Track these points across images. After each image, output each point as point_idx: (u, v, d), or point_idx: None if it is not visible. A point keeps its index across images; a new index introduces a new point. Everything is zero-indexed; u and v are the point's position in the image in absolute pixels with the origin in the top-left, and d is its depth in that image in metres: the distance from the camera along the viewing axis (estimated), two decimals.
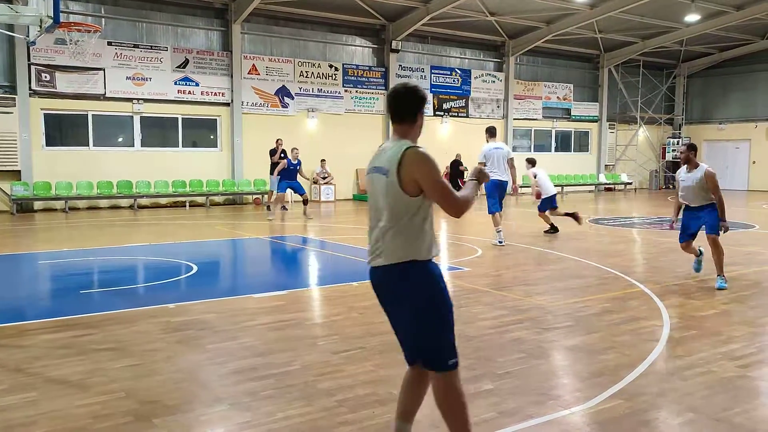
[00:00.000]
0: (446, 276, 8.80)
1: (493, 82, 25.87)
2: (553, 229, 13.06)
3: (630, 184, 29.40)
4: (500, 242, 11.35)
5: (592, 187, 28.60)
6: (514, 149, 26.42)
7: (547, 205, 13.25)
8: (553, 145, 28.25)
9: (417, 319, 3.07)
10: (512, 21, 23.67)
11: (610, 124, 29.50)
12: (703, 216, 7.78)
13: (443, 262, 10.12)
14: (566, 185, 27.02)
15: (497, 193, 11.60)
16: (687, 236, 8.09)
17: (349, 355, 5.12)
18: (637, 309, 6.66)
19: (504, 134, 26.21)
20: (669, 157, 30.83)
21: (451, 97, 24.82)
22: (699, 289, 7.64)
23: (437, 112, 24.49)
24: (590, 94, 29.05)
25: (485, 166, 11.30)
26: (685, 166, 7.88)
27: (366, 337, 5.64)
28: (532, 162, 13.82)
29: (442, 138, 24.54)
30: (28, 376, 4.61)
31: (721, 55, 29.17)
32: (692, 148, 7.95)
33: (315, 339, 5.65)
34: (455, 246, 11.58)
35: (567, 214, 13.26)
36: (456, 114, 24.97)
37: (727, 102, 29.95)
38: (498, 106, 26.08)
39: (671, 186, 30.70)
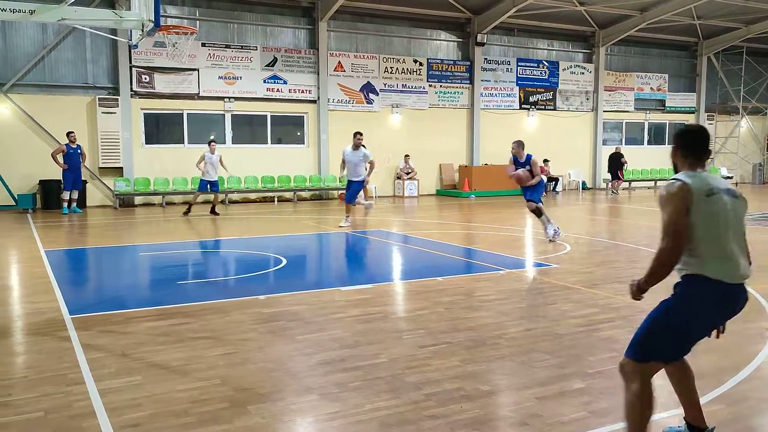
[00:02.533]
0: (533, 272, 8.64)
1: (582, 73, 25.10)
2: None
3: (731, 177, 27.75)
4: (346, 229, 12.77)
5: None
6: (604, 142, 25.63)
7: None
8: (646, 138, 27.12)
9: None
10: (603, 10, 22.86)
11: (708, 115, 27.98)
12: None
13: (530, 257, 9.95)
14: (660, 180, 25.87)
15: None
16: None
17: (435, 350, 5.12)
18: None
19: (593, 127, 25.42)
20: None
21: (538, 89, 24.27)
22: None
23: (523, 105, 24.03)
24: (687, 84, 27.66)
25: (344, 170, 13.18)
26: None
27: (452, 332, 5.63)
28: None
29: (529, 131, 24.03)
30: (133, 360, 4.89)
31: None
32: None
33: (401, 332, 5.69)
34: (543, 242, 11.34)
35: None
36: (543, 107, 24.41)
37: None
38: (587, 99, 25.29)
39: None
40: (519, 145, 11.02)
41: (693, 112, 27.72)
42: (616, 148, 24.20)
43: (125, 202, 18.25)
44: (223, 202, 19.22)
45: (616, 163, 23.52)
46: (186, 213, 15.58)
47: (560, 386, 4.31)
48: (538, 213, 11.20)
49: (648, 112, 26.72)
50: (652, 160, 26.44)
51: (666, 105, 27.05)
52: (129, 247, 11.24)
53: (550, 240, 10.98)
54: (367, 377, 4.51)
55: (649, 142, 27.16)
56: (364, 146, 13.09)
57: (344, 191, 20.34)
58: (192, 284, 8.20)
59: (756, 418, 3.82)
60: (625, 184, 25.56)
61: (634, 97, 26.33)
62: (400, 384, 4.38)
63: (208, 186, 15.79)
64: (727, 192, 3.20)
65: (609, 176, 23.96)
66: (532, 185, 11.06)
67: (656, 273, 3.23)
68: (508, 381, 4.50)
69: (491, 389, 4.34)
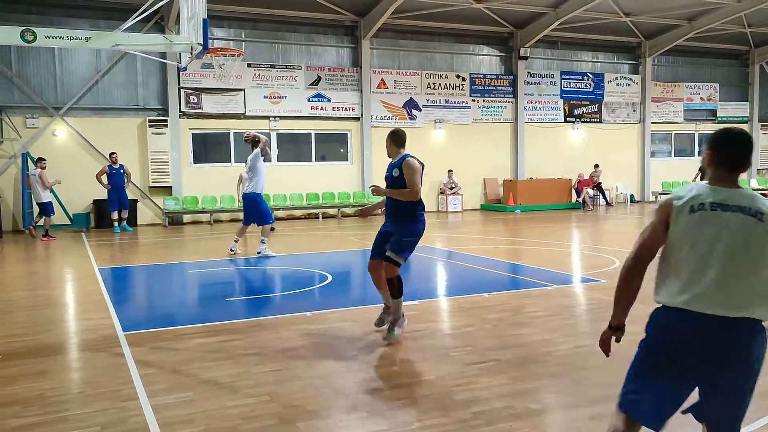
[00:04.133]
0: (582, 288, 8.48)
1: (628, 85, 24.68)
2: None
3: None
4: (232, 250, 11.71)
5: None
6: (653, 155, 25.09)
7: None
8: (696, 149, 26.45)
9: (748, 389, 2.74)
10: (649, 20, 22.48)
11: (762, 125, 27.14)
12: None
13: (577, 272, 9.77)
14: None
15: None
16: None
17: (483, 367, 5.06)
18: None
19: (641, 139, 24.92)
20: None
21: (583, 102, 23.96)
22: None
23: (568, 119, 23.74)
24: (739, 93, 26.91)
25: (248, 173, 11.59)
26: None
27: (500, 349, 5.56)
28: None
29: (574, 144, 23.75)
30: (184, 377, 4.97)
31: None
32: None
33: (448, 350, 5.64)
34: (591, 257, 11.13)
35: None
36: (588, 120, 24.06)
37: None
38: (633, 110, 24.84)
39: None
40: (392, 137, 6.87)
41: (746, 122, 26.93)
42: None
43: (174, 220, 18.67)
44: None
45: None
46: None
47: (611, 405, 4.19)
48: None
49: (698, 122, 26.07)
50: None
51: (717, 115, 26.36)
52: (178, 264, 11.48)
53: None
54: (414, 395, 4.48)
55: (700, 154, 26.45)
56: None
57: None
58: (239, 301, 8.31)
59: None
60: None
61: (684, 107, 25.74)
62: (448, 402, 4.34)
63: None
64: (740, 209, 2.60)
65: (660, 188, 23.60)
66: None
67: (615, 296, 2.95)
68: (558, 399, 4.41)
69: (541, 408, 4.26)
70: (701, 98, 26.00)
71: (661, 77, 25.37)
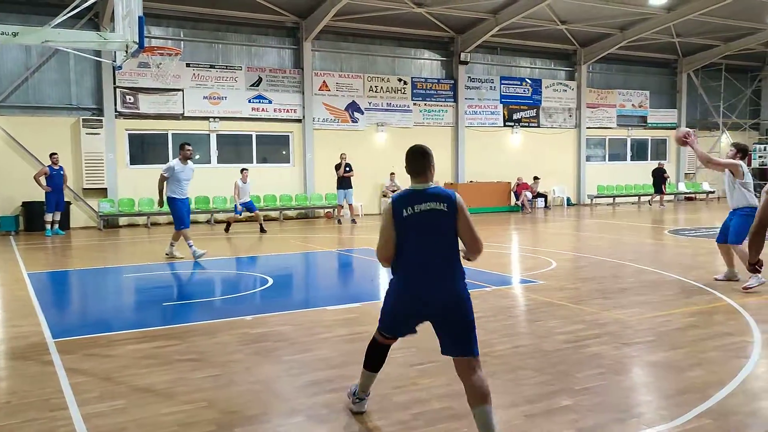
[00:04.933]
0: (520, 289, 8.67)
1: (565, 91, 25.39)
2: None
3: (712, 192, 28.14)
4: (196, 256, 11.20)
5: (672, 197, 27.54)
6: (588, 159, 25.87)
7: None
8: (629, 153, 27.41)
9: None
10: (584, 29, 23.20)
11: None
12: None
13: (516, 274, 9.97)
14: (643, 195, 26.13)
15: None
16: None
17: (423, 369, 5.11)
18: (724, 324, 6.36)
19: (577, 144, 25.65)
20: (756, 163, 29.33)
21: (522, 107, 24.50)
22: None
23: (507, 123, 24.23)
24: (668, 101, 28.06)
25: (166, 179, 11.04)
26: None
27: (440, 350, 5.60)
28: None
29: (514, 148, 24.26)
30: (117, 384, 4.83)
31: None
32: None
33: (390, 351, 5.65)
34: (529, 258, 11.38)
35: None
36: (527, 124, 24.62)
37: None
38: (570, 116, 25.56)
39: (757, 194, 29.11)
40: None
41: (674, 128, 28.05)
42: (659, 164, 25.02)
43: (109, 223, 18.12)
44: (208, 222, 19.14)
45: (659, 177, 24.36)
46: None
47: (548, 403, 4.31)
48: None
49: (630, 128, 27.05)
50: (634, 175, 26.70)
51: (648, 121, 27.40)
52: (113, 268, 11.14)
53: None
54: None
55: (632, 158, 27.45)
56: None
57: (330, 210, 20.47)
58: (177, 305, 8.13)
59: None
60: (609, 200, 25.81)
61: (617, 113, 26.66)
62: (388, 404, 4.36)
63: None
64: None
65: (653, 190, 24.89)
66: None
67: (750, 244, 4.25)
68: (495, 399, 4.47)
69: None
70: (633, 105, 26.99)
71: (596, 84, 26.20)
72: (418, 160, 4.11)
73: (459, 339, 3.80)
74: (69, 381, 4.86)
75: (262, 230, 16.18)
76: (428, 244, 3.80)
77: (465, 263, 3.94)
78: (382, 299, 4.10)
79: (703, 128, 28.74)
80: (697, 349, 5.51)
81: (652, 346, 5.68)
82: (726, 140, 29.09)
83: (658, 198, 24.49)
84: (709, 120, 28.57)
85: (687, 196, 27.97)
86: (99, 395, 4.57)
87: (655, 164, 25.28)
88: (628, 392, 4.63)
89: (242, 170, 16.67)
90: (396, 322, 4.07)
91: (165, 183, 11.12)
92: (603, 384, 4.70)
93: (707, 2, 20.37)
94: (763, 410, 4.19)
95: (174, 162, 11.30)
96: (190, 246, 11.21)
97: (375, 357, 4.26)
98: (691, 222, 18.50)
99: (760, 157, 29.15)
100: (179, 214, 11.18)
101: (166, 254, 11.68)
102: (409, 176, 4.06)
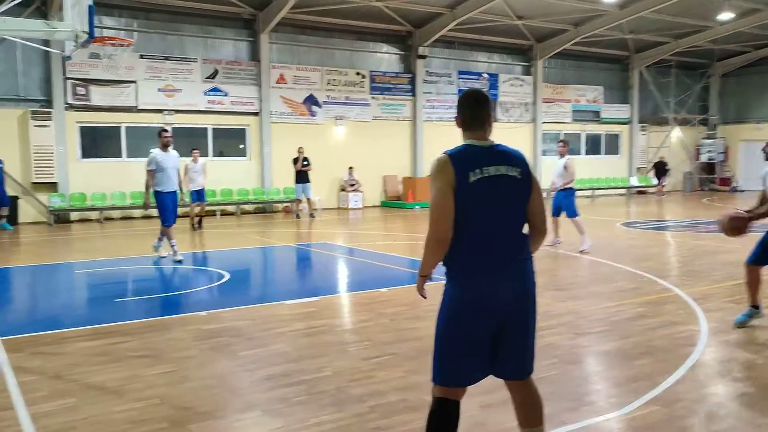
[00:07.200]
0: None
1: (521, 86, 25.70)
2: None
3: (664, 185, 28.87)
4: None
5: (624, 191, 28.19)
6: (544, 153, 26.28)
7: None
8: (583, 148, 27.93)
9: None
10: (540, 24, 23.50)
11: (641, 126, 29.05)
12: None
13: None
14: (597, 189, 26.68)
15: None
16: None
17: (380, 361, 5.12)
18: (672, 313, 6.54)
19: (533, 138, 26.01)
20: (704, 158, 30.24)
21: None
22: (737, 293, 7.47)
23: None
24: (621, 96, 28.67)
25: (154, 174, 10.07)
26: None
27: (397, 343, 5.64)
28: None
29: None
30: (67, 382, 4.70)
31: (756, 53, 28.51)
32: None
33: (346, 345, 5.66)
34: None
35: None
36: None
37: (764, 101, 29.25)
38: (527, 110, 25.90)
39: (705, 188, 30.09)
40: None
41: (627, 123, 28.73)
42: (660, 157, 26.98)
43: (60, 218, 17.61)
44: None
45: (661, 170, 26.14)
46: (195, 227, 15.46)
47: (504, 394, 4.33)
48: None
49: (585, 123, 27.55)
50: (589, 169, 27.22)
51: (601, 116, 27.95)
52: (64, 264, 10.85)
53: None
54: (311, 391, 4.47)
55: (587, 152, 27.96)
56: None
57: (288, 204, 20.32)
58: (130, 301, 7.97)
59: (690, 418, 3.96)
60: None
61: (572, 108, 27.11)
62: (344, 397, 4.35)
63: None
64: None
65: (656, 181, 26.83)
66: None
67: None
68: None
69: None
70: (587, 100, 27.50)
71: (551, 79, 26.59)
72: (482, 105, 3.06)
73: (521, 353, 3.02)
74: (16, 380, 4.71)
75: (198, 226, 15.39)
76: (498, 222, 2.86)
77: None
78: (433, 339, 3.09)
79: (654, 123, 29.49)
80: (646, 338, 5.66)
81: (604, 336, 5.81)
82: (676, 135, 29.92)
83: (659, 187, 26.19)
84: (660, 115, 29.31)
85: (639, 190, 28.64)
86: (48, 394, 4.45)
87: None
88: (580, 381, 4.73)
89: (192, 150, 15.81)
90: (468, 350, 2.90)
91: (152, 178, 10.18)
92: (557, 373, 4.79)
93: (657, 0, 20.85)
94: (709, 396, 4.33)
95: (155, 152, 10.39)
96: (172, 245, 10.42)
97: (445, 427, 2.96)
98: (643, 215, 18.96)
99: (708, 152, 30.07)
100: (163, 210, 10.27)
101: (153, 247, 10.89)
102: (462, 131, 3.12)
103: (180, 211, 11.30)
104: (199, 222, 15.75)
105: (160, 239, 10.75)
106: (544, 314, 6.58)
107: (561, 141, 11.92)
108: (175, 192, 10.40)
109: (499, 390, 4.40)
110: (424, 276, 3.06)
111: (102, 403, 4.28)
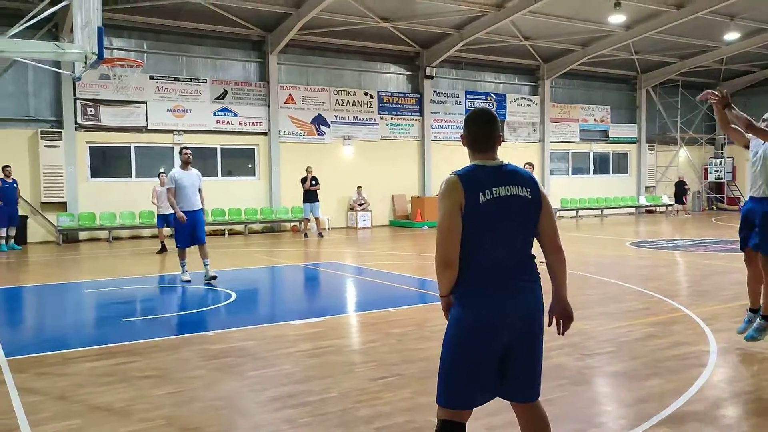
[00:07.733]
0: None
1: (529, 105, 25.78)
2: None
3: (672, 205, 28.75)
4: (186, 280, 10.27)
5: (633, 210, 28.09)
6: (552, 172, 26.26)
7: None
8: (591, 167, 27.91)
9: None
10: (547, 45, 23.62)
11: (649, 146, 29.04)
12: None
13: None
14: (606, 208, 26.61)
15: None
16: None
17: (387, 382, 5.08)
18: (682, 334, 6.48)
19: (541, 157, 26.02)
20: (711, 177, 30.13)
21: None
22: (745, 313, 7.39)
23: None
24: (628, 116, 28.69)
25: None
26: None
27: (404, 363, 5.60)
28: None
29: None
30: (72, 403, 4.69)
31: (762, 73, 28.54)
32: None
33: (353, 366, 5.63)
34: None
35: None
36: None
37: None
38: (534, 130, 25.94)
39: (714, 207, 29.96)
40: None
41: (635, 143, 28.72)
42: (680, 177, 26.94)
43: (69, 237, 17.70)
44: (173, 235, 18.82)
45: (681, 189, 26.26)
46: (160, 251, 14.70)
47: (509, 416, 4.29)
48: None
49: (593, 142, 27.56)
50: (597, 189, 27.17)
51: (609, 136, 27.95)
52: (72, 284, 10.87)
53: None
54: (317, 412, 4.43)
55: (595, 172, 27.94)
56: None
57: (296, 224, 20.36)
58: (138, 321, 7.97)
59: None
60: (573, 213, 26.19)
61: (579, 128, 27.14)
62: (350, 418, 4.32)
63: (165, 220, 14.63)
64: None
65: (668, 201, 27.43)
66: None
67: None
68: None
69: None
70: (595, 119, 27.53)
71: (559, 99, 26.66)
72: (491, 124, 3.03)
73: (529, 376, 3.01)
74: (21, 401, 4.70)
75: (162, 249, 14.65)
76: (507, 243, 2.85)
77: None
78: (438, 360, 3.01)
79: (662, 143, 29.47)
80: (655, 359, 5.60)
81: (612, 357, 5.75)
82: (684, 154, 29.85)
83: (680, 208, 26.16)
84: (668, 135, 29.28)
85: (647, 209, 28.54)
86: (53, 415, 4.44)
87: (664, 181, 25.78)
88: (589, 402, 4.68)
89: (159, 173, 15.28)
90: (474, 372, 2.85)
91: (173, 195, 10.07)
92: (565, 395, 4.74)
93: (663, 21, 20.94)
94: (719, 417, 4.27)
95: (174, 170, 10.36)
96: (182, 266, 10.31)
97: None
98: (652, 234, 18.86)
99: (716, 171, 29.97)
100: (178, 230, 10.19)
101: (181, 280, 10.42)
102: (469, 151, 3.11)
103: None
104: (162, 246, 14.88)
105: (182, 264, 10.40)
106: (552, 335, 6.52)
107: (528, 163, 12.01)
108: (195, 211, 10.17)
109: (504, 412, 4.36)
110: (443, 296, 3.05)
111: (108, 424, 4.27)
